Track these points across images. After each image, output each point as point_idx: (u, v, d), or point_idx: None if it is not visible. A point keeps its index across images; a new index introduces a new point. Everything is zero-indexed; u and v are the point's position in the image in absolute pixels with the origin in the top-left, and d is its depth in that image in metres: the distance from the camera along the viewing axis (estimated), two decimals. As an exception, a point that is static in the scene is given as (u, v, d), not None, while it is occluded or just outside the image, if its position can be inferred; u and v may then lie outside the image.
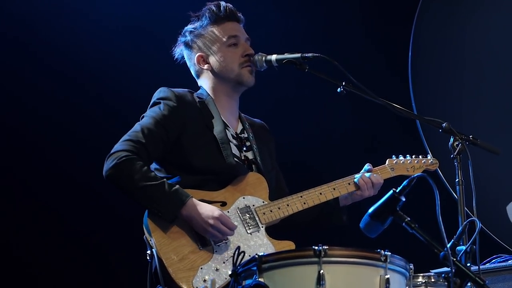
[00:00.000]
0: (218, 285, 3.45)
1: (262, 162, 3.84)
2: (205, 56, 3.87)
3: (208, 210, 3.53)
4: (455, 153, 3.55)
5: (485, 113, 5.79)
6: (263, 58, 3.82)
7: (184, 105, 3.74)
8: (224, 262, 3.51)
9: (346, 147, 5.68)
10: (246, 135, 3.89)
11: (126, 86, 5.40)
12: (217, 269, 3.50)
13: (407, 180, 3.04)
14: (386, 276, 2.87)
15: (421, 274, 3.25)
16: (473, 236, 3.02)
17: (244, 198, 3.71)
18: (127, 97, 5.27)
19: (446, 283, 2.95)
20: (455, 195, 3.57)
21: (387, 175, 4.01)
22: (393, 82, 5.82)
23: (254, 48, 3.87)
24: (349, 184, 3.89)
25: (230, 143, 3.76)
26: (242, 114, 3.98)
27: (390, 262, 2.89)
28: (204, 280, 3.45)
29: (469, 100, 5.87)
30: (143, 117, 3.74)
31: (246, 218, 3.67)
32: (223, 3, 3.87)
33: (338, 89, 3.66)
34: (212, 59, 3.85)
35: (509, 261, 4.20)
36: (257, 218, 3.68)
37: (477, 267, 3.15)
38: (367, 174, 3.91)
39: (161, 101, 3.73)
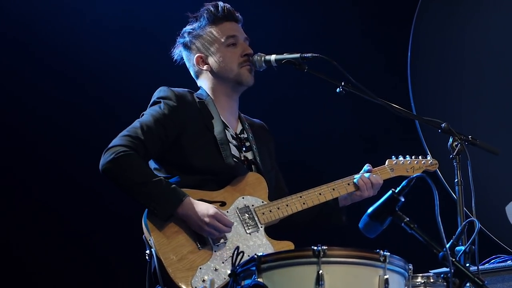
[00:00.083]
0: (217, 285, 3.45)
1: (262, 162, 3.84)
2: (204, 56, 3.87)
3: (203, 208, 3.54)
4: (454, 154, 3.55)
5: (484, 113, 5.79)
6: (262, 58, 3.82)
7: (184, 105, 3.74)
8: (223, 262, 3.52)
9: (346, 147, 5.68)
10: (245, 136, 3.89)
11: (126, 86, 5.40)
12: (216, 269, 3.50)
13: (406, 180, 3.03)
14: (385, 276, 2.87)
15: (420, 274, 3.25)
16: (472, 237, 3.02)
17: (243, 198, 3.71)
18: (126, 97, 5.27)
19: (445, 283, 2.94)
20: (454, 196, 3.57)
21: (386, 176, 4.01)
22: (392, 82, 5.82)
23: (253, 48, 3.87)
24: (348, 184, 3.90)
25: (230, 143, 3.76)
26: (242, 114, 3.98)
27: (389, 263, 2.89)
28: (203, 280, 3.45)
29: (468, 100, 5.87)
30: (142, 115, 3.74)
31: (245, 218, 3.67)
32: (221, 3, 3.87)
33: (338, 89, 3.66)
34: (211, 60, 3.85)
35: (508, 262, 4.20)
36: (256, 218, 3.68)
37: (476, 268, 3.16)
38: (367, 175, 3.91)
39: (162, 100, 3.74)
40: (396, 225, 3.05)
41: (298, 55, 3.75)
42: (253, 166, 3.83)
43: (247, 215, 3.68)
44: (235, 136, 3.84)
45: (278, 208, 3.73)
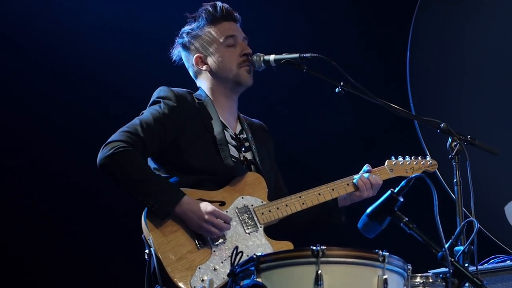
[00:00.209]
0: (216, 285, 3.45)
1: (261, 162, 3.84)
2: (203, 57, 3.86)
3: (202, 206, 3.54)
4: (453, 154, 3.55)
5: (483, 114, 5.79)
6: (261, 58, 3.82)
7: (183, 106, 3.74)
8: (222, 262, 3.52)
9: (345, 147, 5.68)
10: (245, 136, 3.89)
11: (125, 87, 5.40)
12: (215, 269, 3.50)
13: (405, 181, 3.04)
14: (384, 276, 2.87)
15: (419, 275, 3.25)
16: (471, 237, 3.03)
17: (243, 198, 3.71)
18: (125, 97, 5.27)
19: (444, 283, 2.95)
20: (453, 196, 3.57)
21: (386, 176, 4.02)
22: (391, 82, 5.83)
23: (252, 48, 3.87)
24: (348, 184, 3.90)
25: (229, 144, 3.76)
26: (241, 115, 3.98)
27: (388, 263, 2.89)
28: (202, 280, 3.45)
29: (467, 100, 5.87)
30: (142, 113, 3.74)
31: (244, 218, 3.67)
32: (219, 3, 3.87)
33: (337, 89, 3.66)
34: (210, 60, 3.85)
35: (507, 262, 4.20)
36: (255, 218, 3.68)
37: (475, 268, 3.16)
38: (366, 175, 3.91)
39: (161, 100, 3.74)
40: (395, 225, 3.05)
41: (297, 55, 3.74)
42: (252, 166, 3.83)
43: (247, 215, 3.68)
44: (234, 136, 3.84)
45: (278, 208, 3.73)
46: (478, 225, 3.05)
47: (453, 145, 3.57)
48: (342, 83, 3.65)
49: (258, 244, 3.62)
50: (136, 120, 3.67)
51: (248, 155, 3.84)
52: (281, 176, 4.05)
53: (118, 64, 5.42)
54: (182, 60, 3.94)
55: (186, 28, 3.90)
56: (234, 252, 2.96)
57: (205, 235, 3.55)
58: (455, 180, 3.53)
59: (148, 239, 3.51)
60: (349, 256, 2.87)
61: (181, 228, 3.54)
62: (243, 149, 3.84)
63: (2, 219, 5.22)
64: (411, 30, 5.88)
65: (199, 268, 3.48)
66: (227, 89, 3.86)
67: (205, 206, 3.54)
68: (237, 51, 3.84)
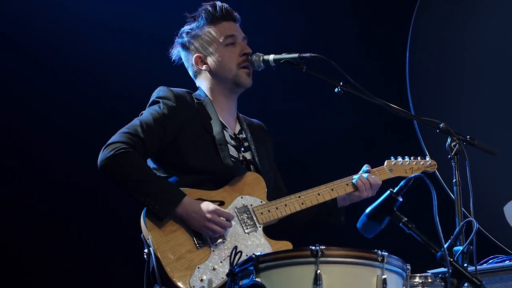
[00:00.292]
0: (215, 285, 3.45)
1: (260, 162, 3.84)
2: (202, 56, 3.86)
3: (203, 205, 3.55)
4: (452, 154, 3.55)
5: (483, 114, 5.79)
6: (261, 58, 3.81)
7: (183, 106, 3.74)
8: (221, 262, 3.52)
9: (344, 148, 5.68)
10: (244, 136, 3.89)
11: (124, 86, 5.40)
12: (214, 269, 3.50)
13: (404, 181, 3.04)
14: (383, 276, 2.86)
15: (418, 274, 3.24)
16: (470, 237, 3.03)
17: (242, 197, 3.71)
18: (125, 97, 5.27)
19: (443, 283, 2.95)
20: (452, 196, 3.58)
21: (385, 176, 4.01)
22: (390, 82, 5.83)
23: (251, 48, 3.87)
24: (347, 185, 3.90)
25: (228, 144, 3.76)
26: (240, 115, 3.98)
27: (387, 262, 2.89)
28: (201, 280, 3.45)
29: (467, 100, 5.87)
30: (141, 114, 3.74)
31: (244, 217, 3.67)
32: (218, 3, 3.87)
33: (336, 89, 3.65)
34: (210, 60, 3.85)
35: (506, 262, 4.20)
36: (254, 218, 3.68)
37: (474, 268, 3.16)
38: (365, 175, 3.91)
39: (161, 100, 3.74)
40: (394, 225, 3.05)
41: (296, 55, 3.74)
42: (251, 166, 3.83)
43: (246, 215, 3.68)
44: (233, 136, 3.84)
45: (277, 208, 3.73)
46: (477, 225, 3.05)
47: (452, 145, 3.57)
48: (341, 83, 3.65)
49: (257, 244, 3.62)
50: (136, 121, 3.67)
51: (247, 155, 3.84)
52: (280, 176, 4.05)
53: (118, 64, 5.42)
54: (182, 60, 3.94)
55: (186, 27, 3.90)
56: (233, 251, 2.97)
57: (207, 235, 3.55)
58: (454, 180, 3.53)
59: (147, 239, 3.51)
60: (348, 256, 2.87)
61: (180, 227, 3.54)
62: (242, 149, 3.84)
63: (2, 219, 5.22)
64: (411, 30, 5.88)
65: (198, 267, 3.48)
66: (226, 89, 3.86)
67: (207, 206, 3.55)
68: (237, 51, 3.84)
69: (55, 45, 5.38)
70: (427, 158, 4.16)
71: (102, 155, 3.55)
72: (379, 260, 2.87)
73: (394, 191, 3.04)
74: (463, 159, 3.53)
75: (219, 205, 3.63)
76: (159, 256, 3.46)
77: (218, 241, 3.56)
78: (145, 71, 5.34)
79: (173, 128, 3.68)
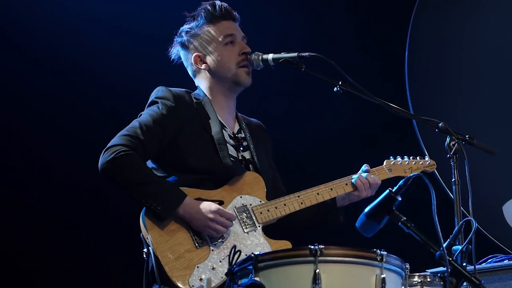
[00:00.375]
0: (214, 284, 3.45)
1: (259, 161, 3.84)
2: (202, 56, 3.86)
3: (205, 205, 3.55)
4: (451, 153, 3.56)
5: (482, 113, 5.79)
6: (260, 57, 3.81)
7: (181, 106, 3.74)
8: (220, 261, 3.52)
9: (344, 147, 5.68)
10: (243, 135, 3.89)
11: (125, 86, 5.40)
12: (213, 268, 3.50)
13: (403, 180, 3.04)
14: (382, 276, 2.86)
15: (417, 274, 3.24)
16: (469, 236, 3.03)
17: (241, 197, 3.71)
18: (124, 97, 5.28)
19: (442, 282, 2.96)
20: (451, 195, 3.58)
21: (384, 176, 4.01)
22: (389, 82, 5.83)
23: (251, 47, 3.87)
24: (346, 184, 3.89)
25: (227, 143, 3.76)
26: (239, 114, 3.98)
27: (386, 262, 2.88)
28: (200, 279, 3.45)
29: (466, 99, 5.87)
30: (140, 115, 3.74)
31: (243, 217, 3.67)
32: (218, 2, 3.86)
33: (335, 89, 3.65)
34: (209, 59, 3.85)
35: (505, 261, 4.20)
36: (254, 218, 3.68)
37: (473, 267, 3.16)
38: (364, 175, 3.91)
39: (159, 100, 3.73)
40: (393, 225, 3.06)
41: (295, 54, 3.74)
42: (250, 165, 3.82)
43: (245, 214, 3.68)
44: (232, 135, 3.84)
45: (276, 208, 3.73)
46: (476, 224, 3.05)
47: (451, 144, 3.57)
48: (340, 83, 3.64)
49: (257, 243, 3.62)
50: (135, 123, 3.67)
51: (246, 155, 3.84)
52: (279, 175, 4.05)
53: (117, 64, 5.42)
54: (181, 59, 3.94)
55: (185, 27, 3.90)
56: (232, 251, 2.97)
57: (211, 234, 3.55)
58: (453, 180, 3.53)
59: (147, 238, 3.52)
60: (347, 255, 2.87)
61: (179, 227, 3.55)
62: (241, 148, 3.84)
63: (2, 219, 5.22)
64: (410, 29, 5.88)
65: (198, 267, 3.48)
66: (225, 88, 3.86)
67: (209, 206, 3.55)
68: (236, 50, 3.84)
69: (55, 45, 5.38)
70: (426, 158, 4.16)
71: (103, 158, 3.55)
72: (378, 259, 2.87)
73: (393, 190, 3.05)
74: (462, 158, 3.53)
75: (218, 204, 3.63)
76: (158, 255, 3.46)
77: (218, 240, 3.56)
78: (145, 70, 5.35)
79: (173, 128, 3.68)
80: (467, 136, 3.62)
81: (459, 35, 5.92)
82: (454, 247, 3.02)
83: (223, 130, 3.78)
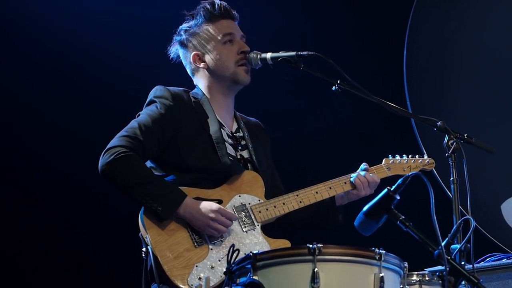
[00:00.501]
0: (213, 283, 3.45)
1: (258, 160, 3.84)
2: (200, 54, 3.86)
3: (206, 205, 3.55)
4: (449, 152, 3.56)
5: (480, 112, 5.79)
6: (258, 56, 3.81)
7: (180, 105, 3.74)
8: (219, 260, 3.52)
9: (342, 146, 5.69)
10: (241, 134, 3.89)
11: (124, 85, 5.41)
12: (212, 267, 3.50)
13: (401, 179, 3.04)
14: (381, 274, 2.87)
15: (416, 273, 3.25)
16: (468, 235, 3.03)
17: (240, 196, 3.71)
18: (125, 96, 5.28)
19: (440, 281, 2.96)
20: (449, 194, 3.58)
21: (383, 175, 4.01)
22: (388, 81, 5.83)
23: (249, 46, 3.87)
24: (345, 183, 3.90)
25: (225, 142, 3.76)
26: (238, 113, 3.98)
27: (385, 260, 2.89)
28: (199, 278, 3.45)
29: (464, 98, 5.87)
30: (139, 115, 3.74)
31: (242, 216, 3.67)
32: (217, 1, 3.86)
33: (333, 88, 3.66)
34: (208, 57, 3.85)
35: (503, 260, 4.21)
36: (252, 217, 3.68)
37: (471, 266, 3.17)
38: (363, 173, 3.91)
39: (157, 99, 3.74)
40: (392, 223, 3.06)
41: (294, 53, 3.74)
42: (249, 164, 3.83)
43: (244, 213, 3.68)
44: (230, 135, 3.84)
45: (275, 207, 3.73)
46: (475, 223, 3.05)
47: (449, 143, 3.57)
48: (339, 81, 3.65)
49: (255, 242, 3.62)
50: (134, 123, 3.67)
51: (245, 154, 3.85)
52: (278, 174, 4.05)
53: (117, 63, 5.43)
54: (180, 57, 3.94)
55: (184, 25, 3.90)
56: (231, 250, 2.97)
57: (212, 234, 3.55)
58: (451, 178, 3.53)
59: (145, 238, 3.52)
60: (345, 254, 2.87)
61: (178, 226, 3.55)
62: (240, 147, 3.84)
63: (2, 219, 5.22)
64: (408, 28, 5.88)
65: (196, 266, 3.48)
66: (224, 87, 3.87)
67: (210, 205, 3.55)
68: (235, 49, 3.84)
69: (55, 45, 5.39)
70: (425, 157, 4.16)
71: (102, 160, 3.55)
72: (377, 258, 2.88)
73: (392, 189, 3.05)
74: (461, 157, 3.54)
75: (217, 203, 3.63)
76: (157, 254, 3.46)
77: (216, 239, 3.56)
78: (145, 70, 5.35)
79: (171, 128, 3.68)
80: (465, 135, 3.62)
81: (458, 34, 5.92)
82: (453, 246, 3.03)
83: (222, 129, 3.78)
